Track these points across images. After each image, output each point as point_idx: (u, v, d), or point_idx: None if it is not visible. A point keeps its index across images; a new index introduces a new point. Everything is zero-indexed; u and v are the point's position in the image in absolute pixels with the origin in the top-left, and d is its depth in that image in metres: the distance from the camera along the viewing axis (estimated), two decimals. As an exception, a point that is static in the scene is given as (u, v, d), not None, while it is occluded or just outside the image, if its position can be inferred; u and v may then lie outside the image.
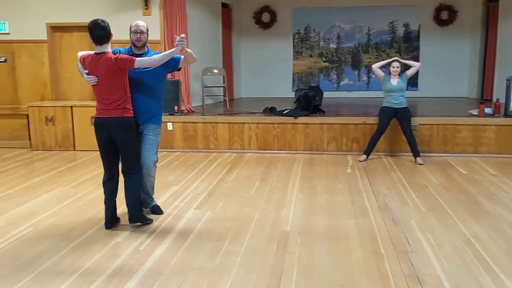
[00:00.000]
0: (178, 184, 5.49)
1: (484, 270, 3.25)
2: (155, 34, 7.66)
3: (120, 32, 7.67)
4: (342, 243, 3.75)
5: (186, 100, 8.16)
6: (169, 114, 7.48)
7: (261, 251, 3.60)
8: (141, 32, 4.16)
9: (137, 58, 3.91)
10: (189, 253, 3.57)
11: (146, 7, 7.62)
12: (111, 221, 4.14)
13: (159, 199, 4.90)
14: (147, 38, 4.22)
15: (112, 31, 3.98)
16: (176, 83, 7.57)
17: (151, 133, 4.24)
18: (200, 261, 3.44)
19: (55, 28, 8.00)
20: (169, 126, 7.39)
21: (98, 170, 6.21)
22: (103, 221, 4.20)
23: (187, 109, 8.07)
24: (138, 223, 4.14)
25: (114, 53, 4.01)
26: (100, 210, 4.55)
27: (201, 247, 3.68)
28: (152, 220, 4.27)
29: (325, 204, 4.76)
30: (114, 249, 3.67)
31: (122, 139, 3.99)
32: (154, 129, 4.25)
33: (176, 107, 7.52)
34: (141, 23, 4.21)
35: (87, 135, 7.46)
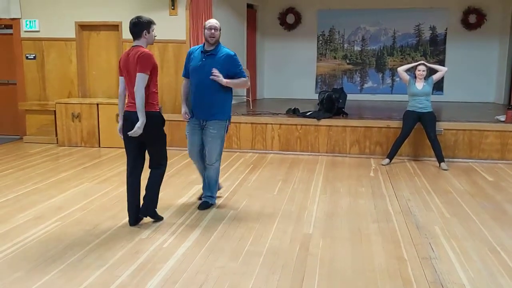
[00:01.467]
0: (201, 183, 5.50)
1: (509, 278, 3.20)
2: (181, 34, 7.75)
3: (146, 32, 7.83)
4: (364, 247, 3.73)
5: (210, 100, 8.20)
6: (193, 113, 7.53)
7: (283, 252, 3.61)
8: (215, 29, 4.39)
9: (140, 76, 3.88)
10: (211, 252, 3.60)
11: (172, 7, 7.69)
12: (135, 217, 4.17)
13: (182, 198, 4.96)
14: (219, 35, 4.45)
15: (145, 29, 4.08)
16: (201, 83, 7.61)
17: (211, 127, 4.48)
18: (222, 260, 3.47)
19: (83, 27, 8.15)
20: (193, 125, 7.44)
21: (122, 167, 6.30)
22: (127, 218, 4.26)
23: (210, 109, 8.11)
24: (150, 218, 4.23)
25: (190, 52, 4.45)
26: (124, 207, 4.63)
27: (223, 247, 3.71)
28: (162, 218, 4.30)
29: (348, 207, 4.74)
30: (138, 245, 3.73)
31: (145, 133, 3.96)
32: (215, 124, 4.49)
33: (200, 107, 7.56)
34: (214, 20, 4.50)
35: (112, 132, 7.57)
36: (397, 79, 10.14)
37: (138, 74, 3.86)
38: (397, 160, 6.75)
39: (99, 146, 7.67)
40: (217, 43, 4.46)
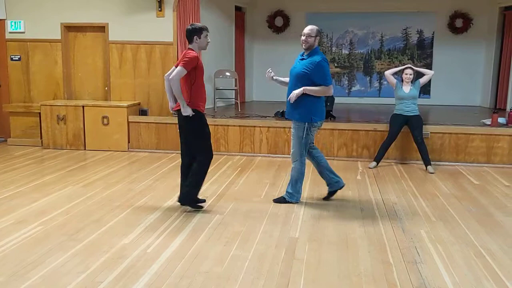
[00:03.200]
0: (187, 187, 5.48)
1: (494, 283, 3.20)
2: (168, 36, 7.71)
3: (133, 33, 7.78)
4: (350, 251, 3.72)
5: (197, 102, 8.16)
6: (180, 116, 7.49)
7: (269, 256, 3.58)
8: (306, 35, 4.60)
9: (179, 69, 4.28)
10: (196, 257, 3.55)
11: (159, 9, 7.64)
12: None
13: (168, 201, 4.91)
14: (314, 41, 4.61)
15: (195, 34, 4.42)
16: (188, 85, 7.57)
17: (292, 127, 4.79)
18: (207, 265, 3.43)
19: (69, 28, 8.06)
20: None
21: (108, 170, 6.25)
22: (111, 222, 4.23)
23: (198, 111, 8.06)
24: (188, 207, 4.62)
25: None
26: (109, 211, 4.58)
27: (208, 251, 3.66)
28: (202, 207, 4.66)
29: (334, 210, 4.73)
30: (121, 250, 3.67)
31: (183, 128, 4.55)
32: (294, 124, 4.76)
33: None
34: (309, 27, 4.65)
35: (98, 135, 7.51)
36: (385, 82, 10.17)
37: (177, 67, 4.31)
38: (384, 163, 6.76)
39: (85, 149, 7.58)
40: (311, 49, 4.64)
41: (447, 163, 6.82)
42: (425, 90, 10.05)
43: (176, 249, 3.69)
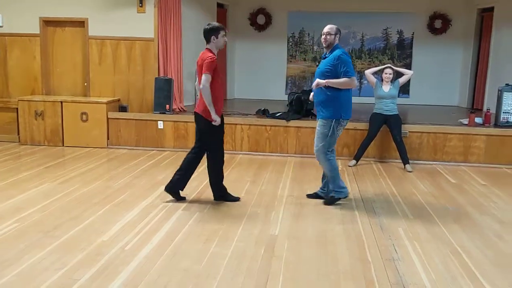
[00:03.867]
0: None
1: (470, 280, 3.26)
2: (148, 32, 7.64)
3: (113, 29, 7.69)
4: (329, 249, 3.74)
5: (178, 99, 8.12)
6: (160, 113, 7.45)
7: (248, 254, 3.58)
8: (327, 34, 4.64)
9: (205, 76, 4.46)
10: (175, 255, 3.54)
11: (140, 5, 7.57)
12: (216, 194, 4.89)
13: (147, 199, 4.87)
14: (334, 39, 4.63)
15: (213, 34, 4.55)
16: (169, 82, 7.53)
17: (318, 125, 4.76)
18: (186, 262, 3.41)
19: (48, 23, 7.93)
20: (160, 124, 7.35)
21: (86, 167, 6.17)
22: (89, 219, 4.19)
23: (179, 108, 8.03)
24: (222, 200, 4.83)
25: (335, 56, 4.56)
26: (87, 208, 4.53)
27: (188, 249, 3.65)
28: (238, 198, 4.88)
29: (314, 208, 4.75)
30: (99, 248, 3.63)
31: (197, 128, 4.79)
32: (320, 122, 4.73)
33: (167, 106, 7.48)
34: (328, 26, 4.67)
35: (77, 131, 7.41)
36: (365, 81, 10.24)
37: (202, 75, 4.48)
38: (364, 162, 6.82)
39: (63, 145, 7.47)
40: (331, 47, 4.66)
41: (425, 162, 6.92)
42: (404, 89, 10.17)
43: (155, 247, 3.67)
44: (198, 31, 9.01)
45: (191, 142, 7.31)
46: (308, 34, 10.91)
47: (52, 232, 3.94)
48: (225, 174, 5.97)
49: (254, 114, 7.79)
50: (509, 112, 7.03)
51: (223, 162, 4.89)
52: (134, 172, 6.01)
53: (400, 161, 6.60)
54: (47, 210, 4.46)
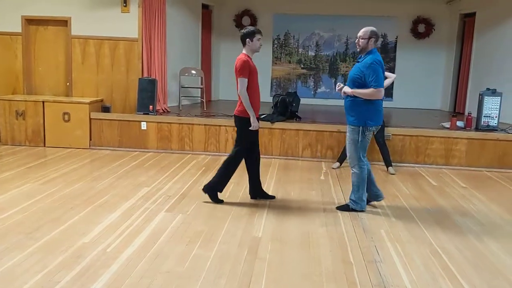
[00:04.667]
0: (150, 186, 5.41)
1: (450, 281, 3.30)
2: (133, 32, 7.60)
3: (97, 28, 7.62)
4: (312, 251, 3.76)
5: (162, 100, 8.09)
6: (144, 114, 7.40)
7: (231, 256, 3.58)
8: (359, 37, 4.54)
9: (240, 80, 4.60)
10: (157, 257, 3.52)
11: (124, 4, 7.52)
12: (252, 192, 5.02)
13: (129, 200, 4.83)
14: (367, 43, 4.51)
15: (248, 37, 4.63)
16: (152, 82, 7.49)
17: (347, 131, 4.72)
18: (168, 264, 3.39)
19: (30, 21, 7.83)
20: (143, 125, 7.31)
21: (68, 168, 6.10)
22: (71, 221, 4.15)
23: (162, 109, 8.00)
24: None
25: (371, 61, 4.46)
26: (68, 209, 4.47)
27: (170, 251, 3.63)
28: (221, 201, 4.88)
29: (298, 210, 4.77)
30: (80, 250, 3.59)
31: (236, 128, 4.85)
32: (348, 127, 4.70)
33: (151, 107, 7.43)
34: (363, 29, 4.56)
35: (58, 132, 7.32)
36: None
37: (238, 79, 4.62)
38: (347, 164, 6.79)
39: (45, 146, 7.38)
40: (365, 51, 4.55)
41: (407, 164, 6.99)
42: (388, 93, 10.26)
43: (137, 249, 3.64)
44: (182, 32, 9.08)
45: (174, 143, 7.31)
46: (293, 36, 10.95)
47: (33, 233, 3.88)
48: (208, 176, 5.99)
49: (239, 116, 7.77)
50: (489, 116, 7.14)
51: (258, 163, 4.97)
52: (117, 173, 5.96)
53: (383, 163, 6.66)
54: (28, 211, 4.40)
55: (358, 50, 4.61)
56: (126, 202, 4.79)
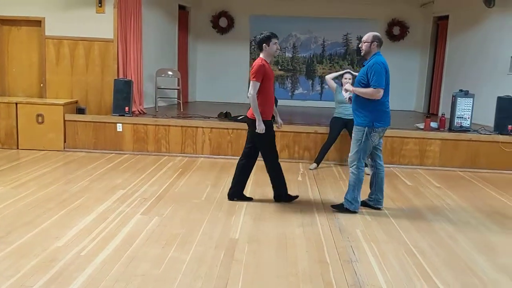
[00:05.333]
0: (126, 188, 5.35)
1: (424, 280, 3.36)
2: (108, 33, 7.51)
3: (71, 29, 7.50)
4: (289, 252, 3.77)
5: (138, 101, 8.01)
6: (119, 115, 7.32)
7: (207, 258, 3.56)
8: (362, 41, 4.66)
9: (252, 83, 4.63)
10: (133, 260, 3.48)
11: (99, 5, 7.42)
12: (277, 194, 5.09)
13: (104, 203, 4.77)
14: (370, 47, 4.63)
15: (264, 42, 4.73)
16: (128, 83, 7.41)
17: (353, 131, 4.76)
18: (144, 268, 3.36)
19: (3, 21, 7.66)
20: (119, 127, 7.22)
21: (42, 170, 5.99)
22: (44, 224, 4.08)
23: (138, 110, 7.92)
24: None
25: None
26: (41, 213, 4.39)
27: (145, 254, 3.59)
28: (297, 196, 5.09)
29: (275, 211, 4.78)
30: (53, 253, 3.53)
31: (249, 132, 4.98)
32: (354, 128, 4.75)
33: (127, 108, 7.36)
34: (367, 34, 4.68)
35: (32, 134, 7.18)
36: (326, 86, 10.40)
37: (250, 82, 4.66)
38: (324, 165, 6.91)
39: (18, 148, 7.22)
40: (369, 55, 4.66)
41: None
42: (364, 94, 10.35)
43: (112, 252, 3.60)
44: (159, 33, 9.02)
45: (150, 145, 7.25)
46: (270, 38, 10.95)
47: (4, 237, 3.79)
48: (185, 178, 5.97)
49: (216, 117, 7.77)
50: (462, 117, 7.29)
51: (278, 163, 5.03)
52: (92, 175, 5.87)
53: (359, 164, 6.71)
54: (0, 215, 4.30)
55: (362, 54, 4.74)
56: (101, 205, 4.72)
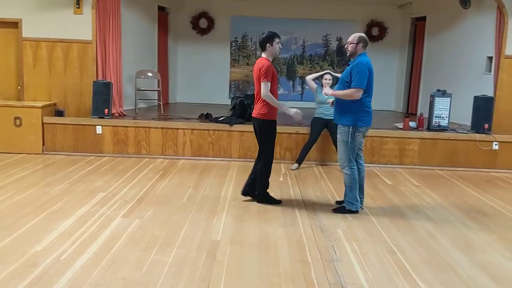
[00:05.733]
0: (106, 191, 5.30)
1: (404, 278, 3.40)
2: (86, 34, 7.43)
3: (49, 30, 7.40)
4: (271, 252, 3.78)
5: (118, 103, 7.94)
6: (99, 117, 7.24)
7: (189, 260, 3.55)
8: (348, 42, 4.69)
9: (264, 84, 4.67)
10: (113, 263, 3.44)
11: (77, 6, 7.33)
12: (244, 189, 5.13)
13: (84, 206, 4.72)
14: (356, 48, 4.66)
15: (268, 42, 4.78)
16: (107, 85, 7.33)
17: (338, 132, 4.78)
18: (125, 271, 3.33)
19: (-22, 22, 7.52)
20: (98, 129, 7.14)
21: (20, 174, 5.90)
22: (23, 229, 4.02)
23: (118, 112, 7.85)
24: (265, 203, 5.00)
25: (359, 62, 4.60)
26: (20, 217, 4.32)
27: (126, 257, 3.56)
28: (279, 201, 5.05)
29: (257, 212, 4.78)
30: (33, 258, 3.47)
31: (257, 132, 5.03)
32: (338, 129, 4.77)
33: (106, 110, 7.28)
34: (352, 35, 4.71)
35: (10, 137, 7.06)
36: (306, 87, 10.46)
37: (261, 83, 4.70)
38: (305, 165, 6.95)
39: (-6, 152, 7.10)
40: (354, 55, 4.69)
41: (363, 164, 7.13)
42: (344, 94, 10.43)
43: (92, 255, 3.56)
44: (138, 34, 8.95)
45: (131, 147, 7.19)
46: (251, 39, 11.00)
47: (-20, 243, 3.73)
48: (166, 180, 5.94)
49: (197, 118, 7.75)
50: (440, 116, 7.40)
51: (271, 163, 5.06)
52: (71, 178, 5.80)
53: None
54: (-24, 221, 4.22)
55: (348, 54, 4.78)
56: (81, 208, 4.66)
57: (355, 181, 4.79)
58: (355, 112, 4.65)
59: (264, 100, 4.77)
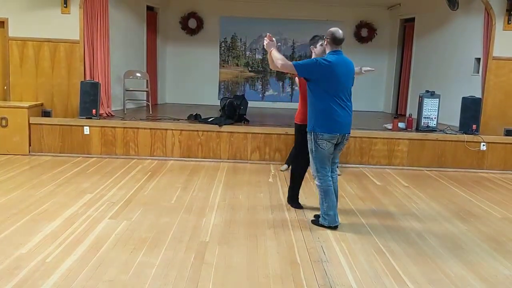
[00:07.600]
0: (93, 192, 5.24)
1: (393, 278, 3.39)
2: (74, 33, 7.35)
3: (36, 30, 7.31)
4: (260, 253, 3.75)
5: (106, 104, 7.87)
6: (87, 118, 7.17)
7: (177, 262, 3.51)
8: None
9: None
10: (100, 265, 3.40)
11: (65, 5, 7.25)
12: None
13: (71, 208, 4.65)
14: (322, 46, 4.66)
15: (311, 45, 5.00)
16: (95, 85, 7.26)
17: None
18: (112, 273, 3.28)
19: (-38, 21, 7.41)
20: (86, 130, 7.07)
21: (5, 175, 5.82)
22: (7, 231, 3.96)
23: (106, 113, 7.78)
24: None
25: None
26: (4, 219, 4.25)
27: (114, 259, 3.52)
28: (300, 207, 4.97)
29: (246, 213, 4.76)
30: (17, 261, 3.41)
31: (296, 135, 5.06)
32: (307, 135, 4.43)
33: (94, 111, 7.21)
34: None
35: (-4, 137, 6.96)
36: (296, 88, 10.45)
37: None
38: (295, 166, 6.92)
39: (-20, 153, 6.99)
40: (323, 53, 4.59)
41: (352, 165, 7.15)
42: (334, 95, 10.45)
43: (78, 258, 3.50)
44: (126, 34, 8.89)
45: (119, 148, 7.13)
46: (240, 39, 10.97)
47: (-36, 246, 3.66)
48: (154, 181, 5.89)
49: (186, 119, 7.70)
50: (429, 117, 7.43)
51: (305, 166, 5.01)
52: (58, 180, 5.73)
53: (329, 165, 6.76)
54: (-41, 223, 4.15)
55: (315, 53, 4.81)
56: (67, 210, 4.60)
57: (327, 193, 4.31)
58: (314, 117, 4.25)
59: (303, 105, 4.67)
